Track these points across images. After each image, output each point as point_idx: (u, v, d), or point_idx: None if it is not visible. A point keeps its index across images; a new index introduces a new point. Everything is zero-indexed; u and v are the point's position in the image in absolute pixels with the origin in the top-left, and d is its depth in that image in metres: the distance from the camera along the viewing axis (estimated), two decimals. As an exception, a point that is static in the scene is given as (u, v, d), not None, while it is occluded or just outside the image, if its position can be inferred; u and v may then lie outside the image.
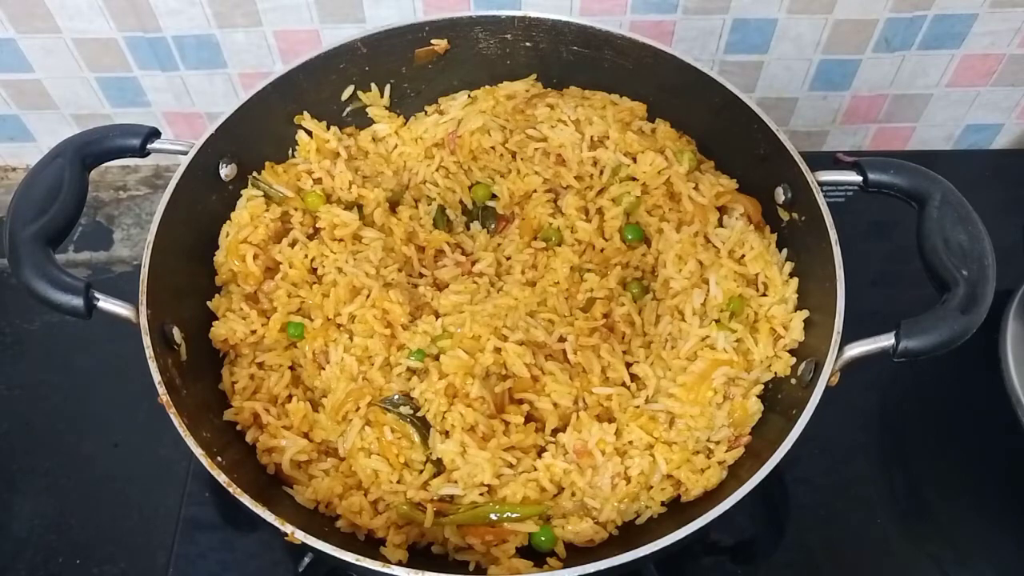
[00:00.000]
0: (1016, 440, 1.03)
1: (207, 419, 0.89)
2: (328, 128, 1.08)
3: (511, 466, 0.88)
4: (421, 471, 0.90)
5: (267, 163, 1.04)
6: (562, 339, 0.94)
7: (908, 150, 1.42)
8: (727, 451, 0.91)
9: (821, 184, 0.93)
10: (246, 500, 0.78)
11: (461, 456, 0.88)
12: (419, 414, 0.90)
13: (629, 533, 0.89)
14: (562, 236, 1.03)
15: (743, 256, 0.99)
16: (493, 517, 0.86)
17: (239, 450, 0.91)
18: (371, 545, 0.86)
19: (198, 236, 0.99)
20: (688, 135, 1.09)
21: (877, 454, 1.12)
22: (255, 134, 1.02)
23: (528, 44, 1.09)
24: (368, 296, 0.95)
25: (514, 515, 0.86)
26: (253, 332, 0.95)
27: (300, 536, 0.77)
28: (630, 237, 1.03)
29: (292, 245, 1.00)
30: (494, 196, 1.08)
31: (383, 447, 0.90)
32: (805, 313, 0.95)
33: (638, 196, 1.04)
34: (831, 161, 0.96)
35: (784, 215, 1.01)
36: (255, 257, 0.98)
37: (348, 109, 1.10)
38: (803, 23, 1.20)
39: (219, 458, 0.81)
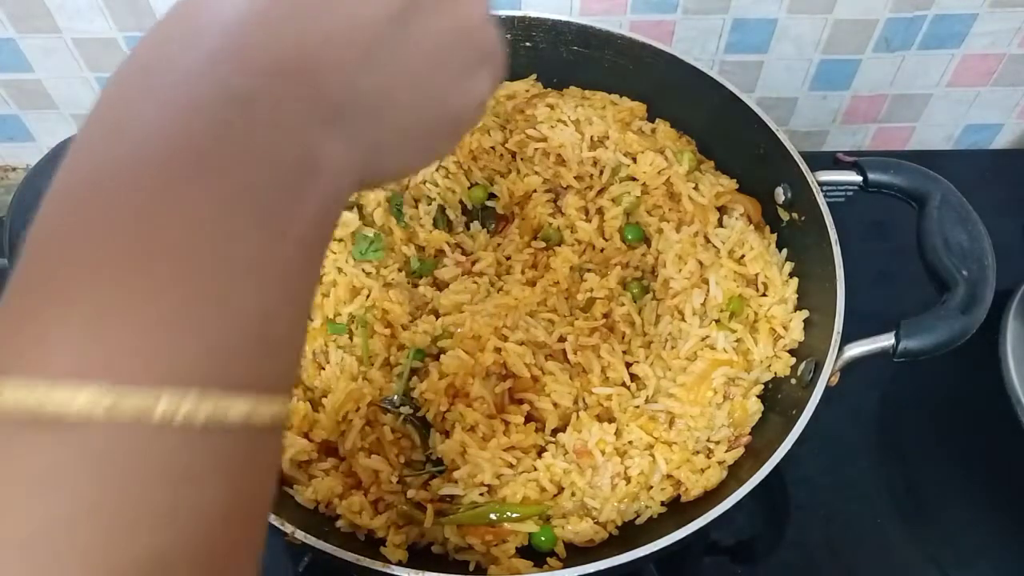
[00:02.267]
0: (1016, 440, 1.03)
1: (207, 419, 0.89)
2: (328, 128, 1.08)
3: (511, 466, 0.88)
4: (421, 471, 0.90)
5: (267, 163, 1.04)
6: (562, 339, 0.94)
7: (908, 150, 1.42)
8: (727, 451, 0.90)
9: (821, 184, 0.93)
10: (246, 500, 0.78)
11: (461, 456, 0.88)
12: (419, 414, 0.90)
13: (629, 533, 0.89)
14: (562, 236, 1.03)
15: (743, 256, 0.99)
16: (493, 517, 0.86)
17: (239, 450, 0.91)
18: (371, 545, 0.86)
19: (198, 236, 0.99)
20: (688, 135, 1.08)
21: (877, 454, 1.11)
22: (255, 134, 1.02)
23: (528, 44, 1.08)
24: (368, 296, 0.95)
25: (514, 515, 0.86)
26: (253, 332, 0.95)
27: (300, 536, 0.77)
28: (630, 237, 1.03)
29: (292, 245, 1.00)
30: (492, 196, 1.08)
31: (383, 447, 0.90)
32: (805, 313, 0.95)
33: (638, 196, 1.03)
34: (831, 161, 0.96)
35: (784, 215, 1.01)
36: (255, 257, 0.97)
37: (348, 109, 1.10)
38: (803, 23, 1.20)
39: (219, 458, 0.81)
